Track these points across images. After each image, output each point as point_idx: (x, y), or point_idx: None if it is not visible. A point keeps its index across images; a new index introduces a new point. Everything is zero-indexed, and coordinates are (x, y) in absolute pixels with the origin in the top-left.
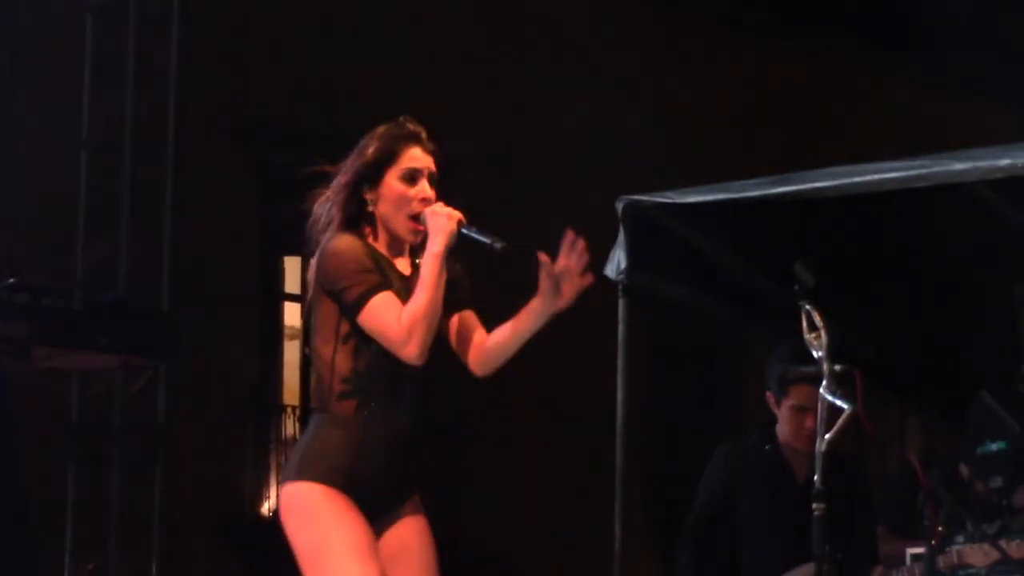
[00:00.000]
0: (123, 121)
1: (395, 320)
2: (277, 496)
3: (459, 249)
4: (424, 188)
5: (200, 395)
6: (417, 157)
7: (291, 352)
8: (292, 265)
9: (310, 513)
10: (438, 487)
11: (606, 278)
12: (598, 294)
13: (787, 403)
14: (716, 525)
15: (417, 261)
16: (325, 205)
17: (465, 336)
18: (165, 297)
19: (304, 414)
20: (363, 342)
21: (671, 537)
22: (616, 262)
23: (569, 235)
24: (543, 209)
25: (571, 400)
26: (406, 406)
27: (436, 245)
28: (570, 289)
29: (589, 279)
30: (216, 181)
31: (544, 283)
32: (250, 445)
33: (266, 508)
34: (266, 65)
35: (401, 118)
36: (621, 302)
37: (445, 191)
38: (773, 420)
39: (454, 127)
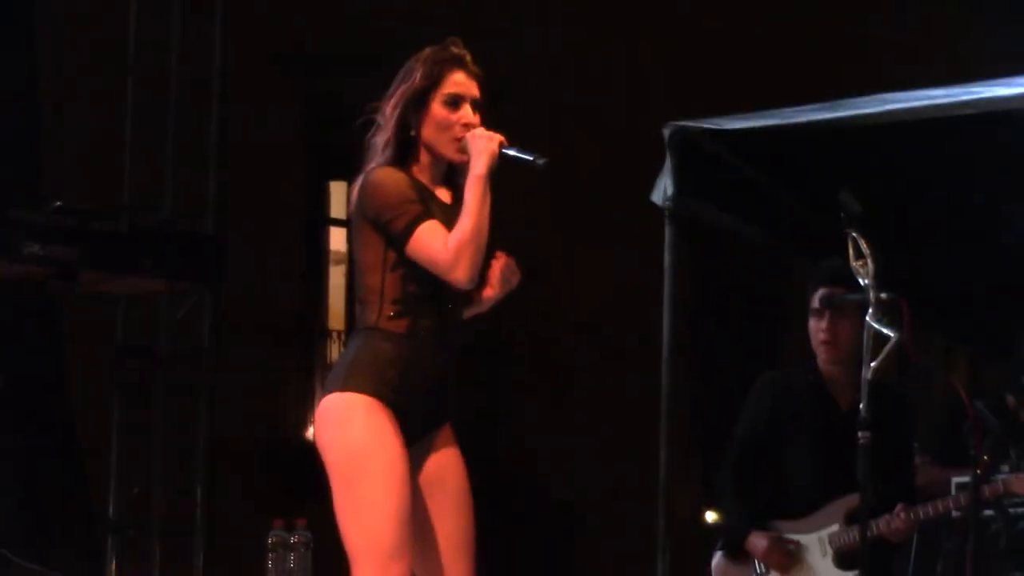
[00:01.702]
0: (169, 45)
1: (442, 246)
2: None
3: (501, 167)
4: (467, 113)
5: (245, 320)
6: (461, 82)
7: (336, 277)
8: (338, 189)
9: (352, 423)
10: (481, 414)
11: (653, 204)
12: (644, 221)
13: (810, 309)
14: (757, 453)
15: (460, 182)
16: (377, 132)
17: None
18: (211, 222)
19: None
20: (410, 269)
21: (715, 464)
22: (663, 188)
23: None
24: (589, 137)
25: (616, 327)
26: (451, 330)
27: (479, 167)
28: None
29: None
30: (261, 106)
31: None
32: (295, 370)
33: (310, 433)
34: None
35: (447, 40)
36: (668, 229)
37: (490, 117)
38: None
39: (499, 52)
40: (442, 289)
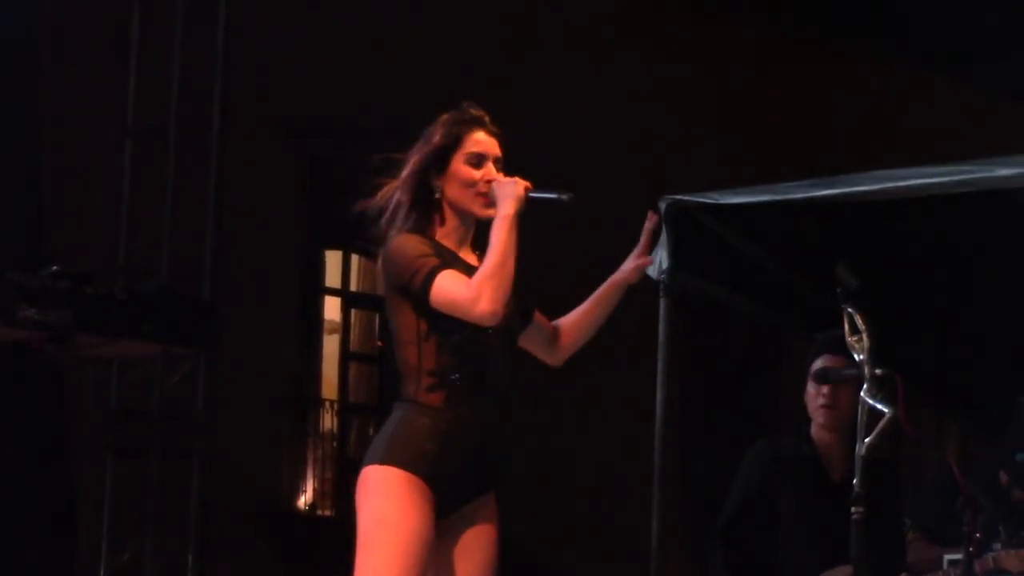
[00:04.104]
0: (168, 110)
1: (463, 286)
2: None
3: (529, 211)
4: (490, 170)
5: (239, 386)
6: (482, 141)
7: (330, 346)
8: (333, 258)
9: (383, 492)
10: None
11: (647, 278)
12: (639, 294)
13: (809, 375)
14: (749, 523)
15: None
16: (393, 195)
17: (542, 333)
18: (206, 287)
19: (342, 408)
20: (444, 337)
21: (707, 535)
22: (658, 262)
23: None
24: (582, 210)
25: (610, 399)
26: (490, 402)
27: (506, 209)
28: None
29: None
30: (259, 172)
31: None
32: (288, 438)
33: (302, 501)
34: (311, 57)
35: (464, 104)
36: (662, 302)
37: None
38: (808, 421)
39: (499, 125)
40: (482, 360)
